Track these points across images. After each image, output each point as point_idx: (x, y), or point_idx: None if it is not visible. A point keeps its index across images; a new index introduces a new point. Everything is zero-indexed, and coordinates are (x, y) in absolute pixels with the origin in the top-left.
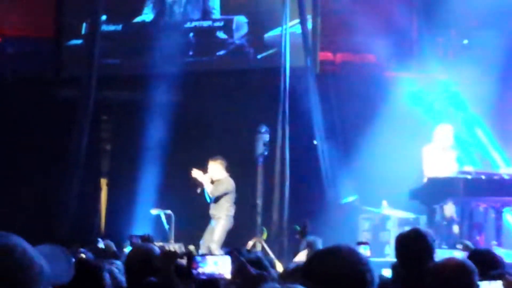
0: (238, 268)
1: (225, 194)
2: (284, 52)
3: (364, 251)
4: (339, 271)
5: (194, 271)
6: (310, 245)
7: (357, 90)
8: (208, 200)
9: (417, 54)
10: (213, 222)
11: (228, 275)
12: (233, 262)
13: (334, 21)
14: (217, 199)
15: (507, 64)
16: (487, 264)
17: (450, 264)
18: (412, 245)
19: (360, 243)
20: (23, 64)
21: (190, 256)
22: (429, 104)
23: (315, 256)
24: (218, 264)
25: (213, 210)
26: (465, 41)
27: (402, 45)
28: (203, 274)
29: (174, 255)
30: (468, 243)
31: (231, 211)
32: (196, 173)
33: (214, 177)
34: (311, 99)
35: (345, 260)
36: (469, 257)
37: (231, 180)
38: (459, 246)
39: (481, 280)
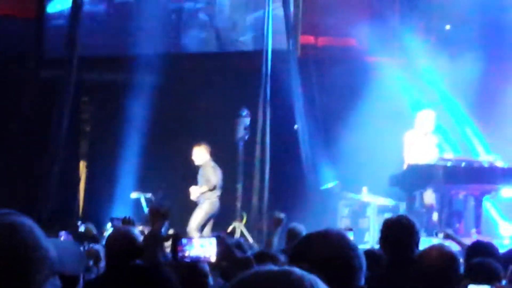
0: (223, 252)
1: (216, 175)
2: (266, 35)
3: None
4: (328, 256)
5: (179, 254)
6: (294, 234)
7: (338, 74)
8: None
9: (399, 38)
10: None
11: (213, 258)
12: (218, 245)
13: (315, 5)
14: (202, 183)
15: (489, 50)
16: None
17: (435, 253)
18: (399, 232)
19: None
20: (5, 45)
21: (176, 239)
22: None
23: (304, 240)
24: (204, 247)
25: (200, 195)
26: (447, 26)
27: (384, 30)
28: (188, 257)
29: (159, 237)
30: (450, 231)
31: (216, 195)
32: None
33: (198, 162)
34: (293, 83)
35: (334, 244)
36: (470, 248)
37: (212, 162)
38: (440, 234)
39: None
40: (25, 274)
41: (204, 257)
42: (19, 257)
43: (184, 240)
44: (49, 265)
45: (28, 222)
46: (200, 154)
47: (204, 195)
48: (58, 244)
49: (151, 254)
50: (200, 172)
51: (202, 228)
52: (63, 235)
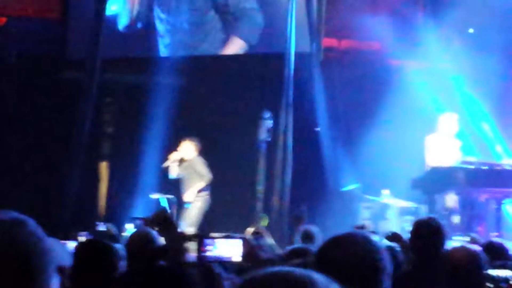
0: (248, 252)
1: (194, 173)
2: (289, 37)
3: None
4: (353, 258)
5: (203, 254)
6: (308, 235)
7: (361, 77)
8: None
9: (422, 42)
10: (187, 205)
11: (237, 258)
12: (244, 246)
13: (339, 7)
14: (191, 182)
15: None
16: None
17: (462, 253)
18: (429, 233)
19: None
20: (27, 45)
21: (200, 239)
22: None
23: (330, 242)
24: (228, 248)
25: (189, 193)
26: (470, 30)
27: (407, 33)
28: (212, 256)
29: (183, 238)
30: (476, 235)
31: (207, 192)
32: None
33: (184, 156)
34: (315, 85)
35: (359, 248)
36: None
37: (200, 158)
38: (467, 238)
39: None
40: (31, 274)
41: (227, 258)
42: (24, 257)
43: (208, 241)
44: (52, 263)
45: (30, 222)
46: (190, 149)
47: (200, 194)
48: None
49: (175, 254)
50: (185, 167)
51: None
52: (84, 236)
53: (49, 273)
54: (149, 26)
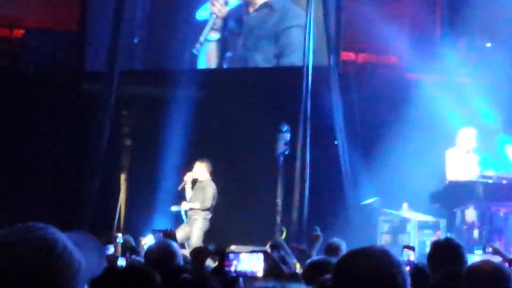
0: (271, 267)
1: (213, 198)
2: (307, 51)
3: (408, 253)
4: (372, 273)
5: (226, 269)
6: (332, 247)
7: (378, 91)
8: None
9: (440, 56)
10: (186, 220)
11: (260, 273)
12: (265, 260)
13: (356, 21)
14: (196, 199)
15: None
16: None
17: (486, 267)
18: (447, 253)
19: (406, 247)
20: (45, 57)
21: (223, 254)
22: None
23: (348, 256)
24: (251, 262)
25: (188, 212)
26: (488, 44)
27: (424, 47)
28: (236, 271)
29: (205, 251)
30: (497, 245)
31: (207, 212)
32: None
33: (196, 177)
34: (333, 99)
35: (378, 261)
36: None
37: (213, 183)
38: (489, 249)
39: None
40: None
41: (252, 272)
42: (57, 275)
43: (231, 255)
44: (83, 275)
45: (61, 236)
46: (202, 171)
47: (197, 212)
48: (80, 246)
49: (198, 267)
50: (197, 188)
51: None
52: (110, 248)
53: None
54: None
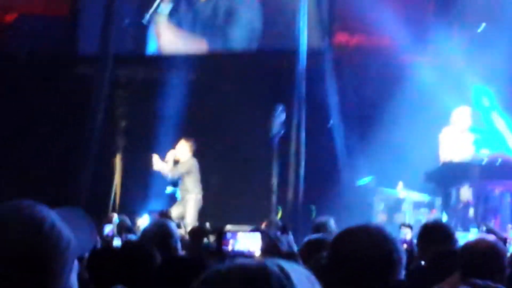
0: (268, 246)
1: (186, 173)
2: (300, 33)
3: (405, 232)
4: (367, 250)
5: (224, 248)
6: (321, 226)
7: (372, 72)
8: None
9: (433, 38)
10: (179, 199)
11: (258, 252)
12: (263, 239)
13: (350, 3)
14: (179, 180)
15: None
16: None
17: (481, 245)
18: (437, 233)
19: (403, 225)
20: (39, 42)
21: (220, 233)
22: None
23: (343, 233)
24: (248, 241)
25: (180, 192)
26: (482, 25)
27: (417, 29)
28: (233, 251)
29: (203, 231)
30: (491, 225)
31: (198, 190)
32: (155, 161)
33: (178, 156)
34: (327, 80)
35: (373, 239)
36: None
37: (194, 160)
38: (483, 228)
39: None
40: (54, 268)
41: (249, 252)
42: (44, 251)
43: (228, 234)
44: (73, 252)
45: (48, 213)
46: (184, 150)
47: (188, 192)
48: (70, 222)
49: (196, 247)
50: (181, 168)
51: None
52: (106, 228)
53: (71, 264)
54: None
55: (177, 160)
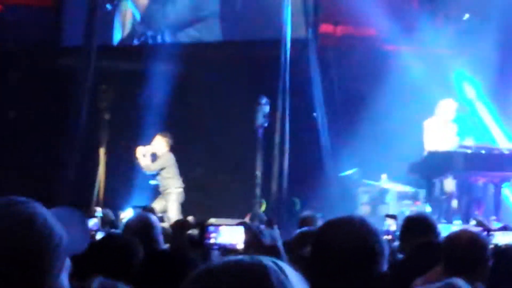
0: (251, 239)
1: (161, 169)
2: (285, 23)
3: (390, 223)
4: (350, 242)
5: (206, 241)
6: (308, 221)
7: (357, 62)
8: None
9: (417, 27)
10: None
11: (240, 245)
12: (246, 233)
13: None
14: (157, 175)
15: (508, 38)
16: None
17: (464, 236)
18: (419, 226)
19: (388, 216)
20: (24, 33)
21: (203, 226)
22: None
23: (326, 226)
24: (231, 235)
25: (161, 187)
26: (466, 16)
27: (402, 19)
28: (216, 244)
29: (186, 225)
30: (481, 218)
31: (178, 184)
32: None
33: (156, 151)
34: (312, 71)
35: (356, 231)
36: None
37: (170, 155)
38: (472, 222)
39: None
40: (45, 264)
41: (231, 245)
42: (34, 251)
43: (211, 228)
44: (64, 250)
45: (40, 210)
46: (161, 145)
47: (169, 185)
48: (64, 221)
49: (179, 240)
50: (158, 163)
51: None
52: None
53: (62, 261)
54: None
55: (155, 155)
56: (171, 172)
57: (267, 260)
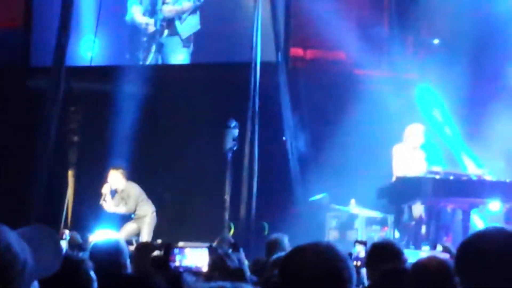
0: (216, 262)
1: (138, 202)
2: (255, 47)
3: (359, 249)
4: (318, 268)
5: (171, 264)
6: (275, 244)
7: (327, 87)
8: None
9: (388, 52)
10: (133, 215)
11: (205, 268)
12: (210, 255)
13: (305, 17)
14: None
15: (478, 64)
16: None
17: (432, 263)
18: (384, 252)
19: (357, 242)
20: None
21: (168, 248)
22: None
23: (293, 252)
24: (196, 257)
25: (135, 214)
26: (436, 41)
27: (372, 43)
28: (181, 266)
29: (150, 247)
30: (448, 244)
31: (152, 208)
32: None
33: (114, 186)
34: (282, 94)
35: (324, 256)
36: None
37: (133, 184)
38: (439, 248)
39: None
40: None
41: (196, 267)
42: (0, 273)
43: (176, 250)
44: (28, 276)
45: (6, 235)
46: (118, 178)
47: (143, 210)
48: (35, 243)
49: (142, 263)
50: (121, 196)
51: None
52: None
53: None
54: None
55: (117, 191)
56: (143, 200)
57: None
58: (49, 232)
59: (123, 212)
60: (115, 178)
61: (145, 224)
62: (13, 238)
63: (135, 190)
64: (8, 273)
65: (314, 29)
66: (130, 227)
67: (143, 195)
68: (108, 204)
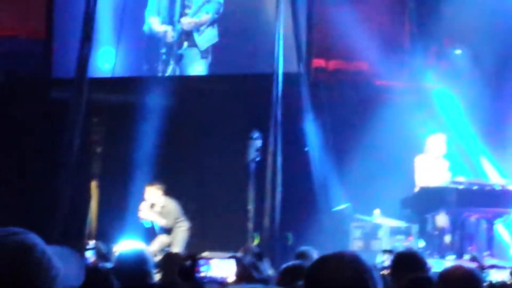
0: (241, 272)
1: (176, 218)
2: (277, 57)
3: (386, 258)
4: (342, 278)
5: (197, 275)
6: (303, 256)
7: (349, 97)
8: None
9: (410, 63)
10: (160, 231)
11: (231, 279)
12: (236, 266)
13: (327, 28)
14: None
15: (500, 74)
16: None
17: (458, 272)
18: (409, 261)
19: (385, 251)
20: (15, 65)
21: (194, 259)
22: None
23: (319, 261)
24: (222, 268)
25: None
26: (458, 51)
27: (394, 54)
28: (206, 277)
29: (177, 257)
30: (476, 254)
31: (187, 224)
32: (143, 213)
33: (153, 202)
34: (304, 105)
35: (349, 266)
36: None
37: (172, 201)
38: (467, 257)
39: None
40: None
41: (222, 278)
42: (34, 278)
43: (202, 261)
44: (60, 283)
45: (40, 242)
46: (155, 194)
47: (177, 224)
48: (61, 258)
49: (169, 273)
50: (160, 212)
51: None
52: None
53: None
54: None
55: (153, 206)
56: (181, 216)
57: None
58: (71, 251)
59: (161, 224)
60: (154, 195)
61: (178, 237)
62: (45, 245)
63: (174, 207)
64: (43, 278)
65: (336, 40)
66: (163, 239)
67: (181, 211)
68: (148, 213)
